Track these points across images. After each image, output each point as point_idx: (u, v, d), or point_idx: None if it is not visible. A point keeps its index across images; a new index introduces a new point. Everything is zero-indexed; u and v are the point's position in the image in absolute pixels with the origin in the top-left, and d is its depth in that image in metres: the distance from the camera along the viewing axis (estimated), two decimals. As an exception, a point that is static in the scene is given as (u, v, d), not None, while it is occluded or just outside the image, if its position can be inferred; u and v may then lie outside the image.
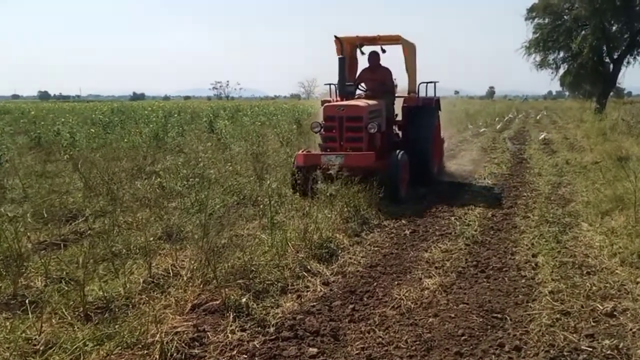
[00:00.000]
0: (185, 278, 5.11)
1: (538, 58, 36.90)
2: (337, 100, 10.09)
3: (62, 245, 6.17)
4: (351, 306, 4.77)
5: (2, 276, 5.11)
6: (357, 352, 3.98)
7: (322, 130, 9.38)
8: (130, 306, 4.55)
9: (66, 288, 4.69)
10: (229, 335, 4.12)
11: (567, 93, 63.80)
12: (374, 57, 10.70)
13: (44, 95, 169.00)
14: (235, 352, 3.92)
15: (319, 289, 5.15)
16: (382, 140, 9.75)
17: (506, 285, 5.32)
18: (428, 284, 5.28)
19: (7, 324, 4.16)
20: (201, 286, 4.88)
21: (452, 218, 7.94)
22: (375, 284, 5.36)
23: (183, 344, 3.91)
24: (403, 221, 7.75)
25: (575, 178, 11.14)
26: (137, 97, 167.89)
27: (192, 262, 5.25)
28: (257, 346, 4.00)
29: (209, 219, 7.23)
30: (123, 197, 8.38)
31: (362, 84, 10.82)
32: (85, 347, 3.75)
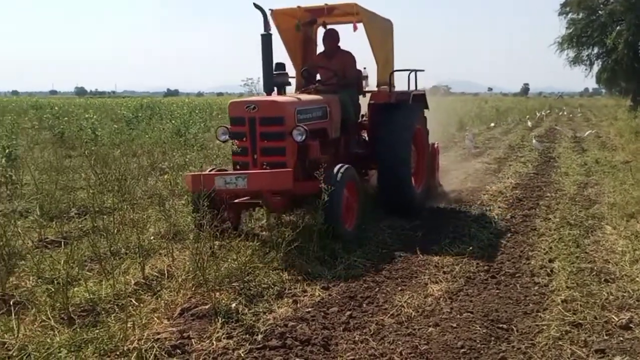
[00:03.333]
0: (179, 280, 4.94)
1: (571, 54, 36.14)
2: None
3: (62, 243, 6.05)
4: (348, 313, 4.52)
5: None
6: (345, 364, 3.75)
7: (229, 138, 6.59)
8: (117, 309, 4.38)
9: (52, 289, 4.54)
10: (214, 342, 3.91)
11: (603, 90, 62.52)
12: (330, 38, 8.06)
13: (80, 91, 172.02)
14: (218, 361, 3.71)
15: (317, 294, 4.91)
16: (326, 151, 7.08)
17: (517, 292, 5.02)
18: (433, 290, 5.01)
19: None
20: (193, 289, 4.70)
21: (469, 219, 7.63)
22: (377, 289, 5.11)
23: (163, 352, 3.72)
24: (417, 222, 7.45)
25: (603, 178, 10.70)
26: (171, 93, 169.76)
27: (187, 263, 5.07)
28: (242, 355, 3.79)
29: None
30: (132, 193, 8.28)
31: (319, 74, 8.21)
32: (59, 354, 3.58)
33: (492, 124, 24.32)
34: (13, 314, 4.08)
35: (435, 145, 9.53)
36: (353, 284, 5.20)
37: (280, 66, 7.07)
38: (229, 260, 5.19)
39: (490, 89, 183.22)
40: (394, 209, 7.63)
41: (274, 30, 7.19)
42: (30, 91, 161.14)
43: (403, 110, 7.91)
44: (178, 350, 3.80)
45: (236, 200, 6.34)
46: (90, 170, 9.93)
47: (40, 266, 5.16)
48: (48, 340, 3.78)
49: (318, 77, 8.14)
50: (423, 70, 8.59)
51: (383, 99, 7.93)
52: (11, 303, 4.28)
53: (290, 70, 8.15)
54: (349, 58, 8.08)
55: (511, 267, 5.72)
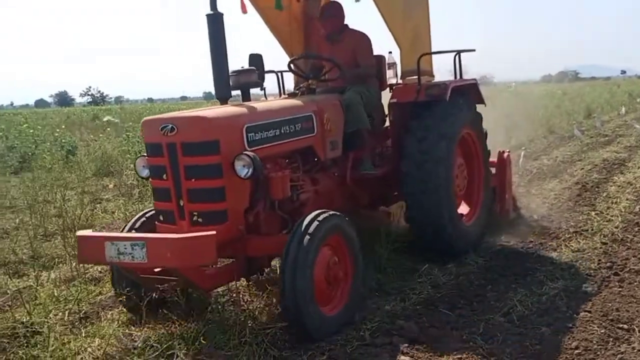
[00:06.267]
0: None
1: None
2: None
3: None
4: (457, 311, 4.46)
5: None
6: (451, 364, 3.71)
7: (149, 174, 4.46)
8: (231, 303, 4.57)
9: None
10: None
11: None
12: (330, 16, 5.79)
13: (208, 96, 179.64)
14: (325, 356, 3.80)
15: (426, 291, 4.88)
16: (318, 179, 5.14)
17: (641, 291, 4.72)
18: (548, 288, 4.80)
19: (119, 318, 4.43)
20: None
21: (592, 213, 7.21)
22: (489, 287, 4.99)
23: (273, 346, 3.86)
24: (534, 216, 7.16)
25: None
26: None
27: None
28: (349, 352, 3.86)
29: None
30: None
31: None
32: (178, 345, 3.82)
33: (623, 109, 22.77)
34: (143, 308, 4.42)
35: (505, 156, 6.67)
36: (463, 282, 5.12)
37: (256, 59, 5.00)
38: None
39: (623, 72, 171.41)
40: (430, 253, 5.53)
41: (252, 11, 5.63)
42: (164, 98, 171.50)
43: (439, 111, 5.47)
44: (287, 344, 3.94)
45: (141, 276, 4.17)
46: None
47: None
48: (168, 332, 4.07)
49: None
50: (473, 50, 6.04)
51: (407, 97, 5.59)
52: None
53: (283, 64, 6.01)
54: (360, 40, 5.83)
55: (637, 263, 5.36)
